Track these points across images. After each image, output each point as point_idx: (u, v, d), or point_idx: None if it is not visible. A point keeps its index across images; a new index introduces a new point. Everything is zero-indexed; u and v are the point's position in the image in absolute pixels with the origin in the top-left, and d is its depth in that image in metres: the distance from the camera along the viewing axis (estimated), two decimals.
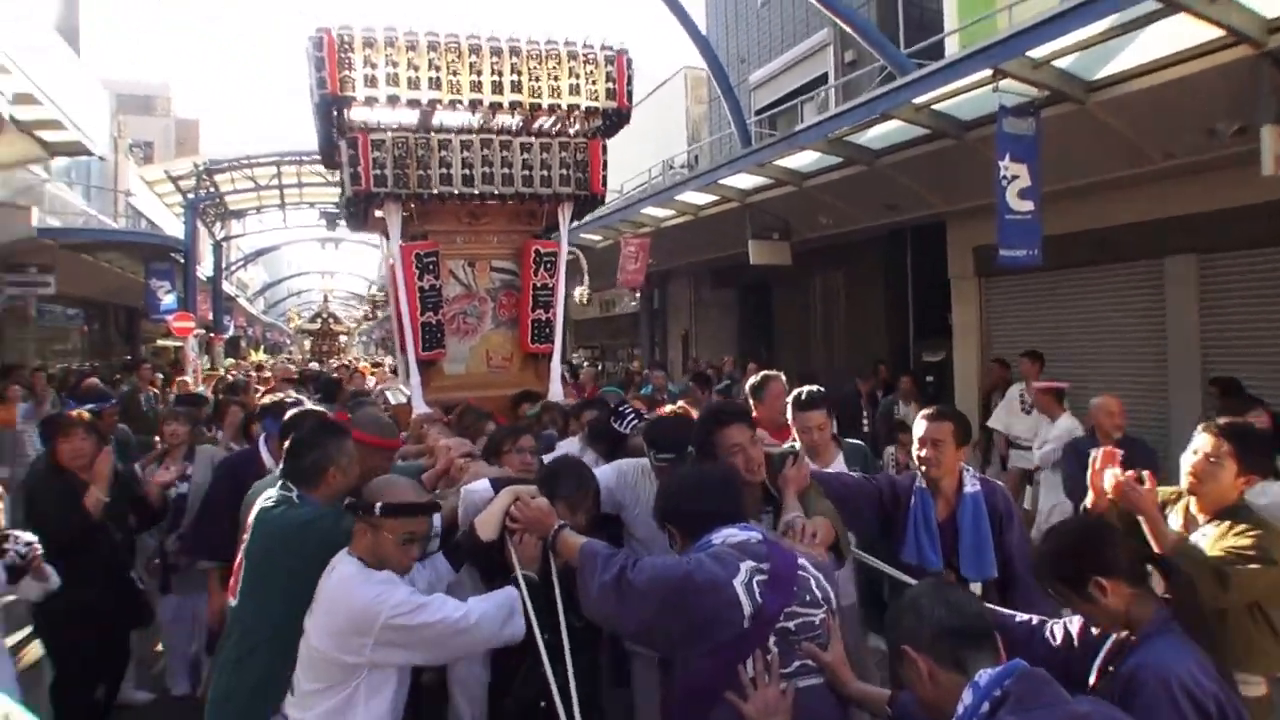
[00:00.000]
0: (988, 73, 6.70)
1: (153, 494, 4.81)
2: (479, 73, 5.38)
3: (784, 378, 4.81)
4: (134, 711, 5.13)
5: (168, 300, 17.75)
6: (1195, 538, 2.82)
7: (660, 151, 17.19)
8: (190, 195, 21.10)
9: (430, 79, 5.27)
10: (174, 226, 23.37)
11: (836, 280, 13.42)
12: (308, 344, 28.18)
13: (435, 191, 5.53)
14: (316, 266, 36.63)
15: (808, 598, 2.32)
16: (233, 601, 2.98)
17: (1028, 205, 6.73)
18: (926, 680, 1.85)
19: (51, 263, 13.94)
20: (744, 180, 11.05)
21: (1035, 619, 2.51)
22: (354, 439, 3.14)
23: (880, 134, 8.78)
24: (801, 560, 2.38)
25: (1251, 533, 2.69)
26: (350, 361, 21.77)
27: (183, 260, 18.87)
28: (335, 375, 10.39)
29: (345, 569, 2.50)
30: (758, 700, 2.16)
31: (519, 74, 5.44)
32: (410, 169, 5.43)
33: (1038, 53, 6.37)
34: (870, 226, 10.87)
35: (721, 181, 11.15)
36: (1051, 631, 2.42)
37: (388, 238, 6.07)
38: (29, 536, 3.51)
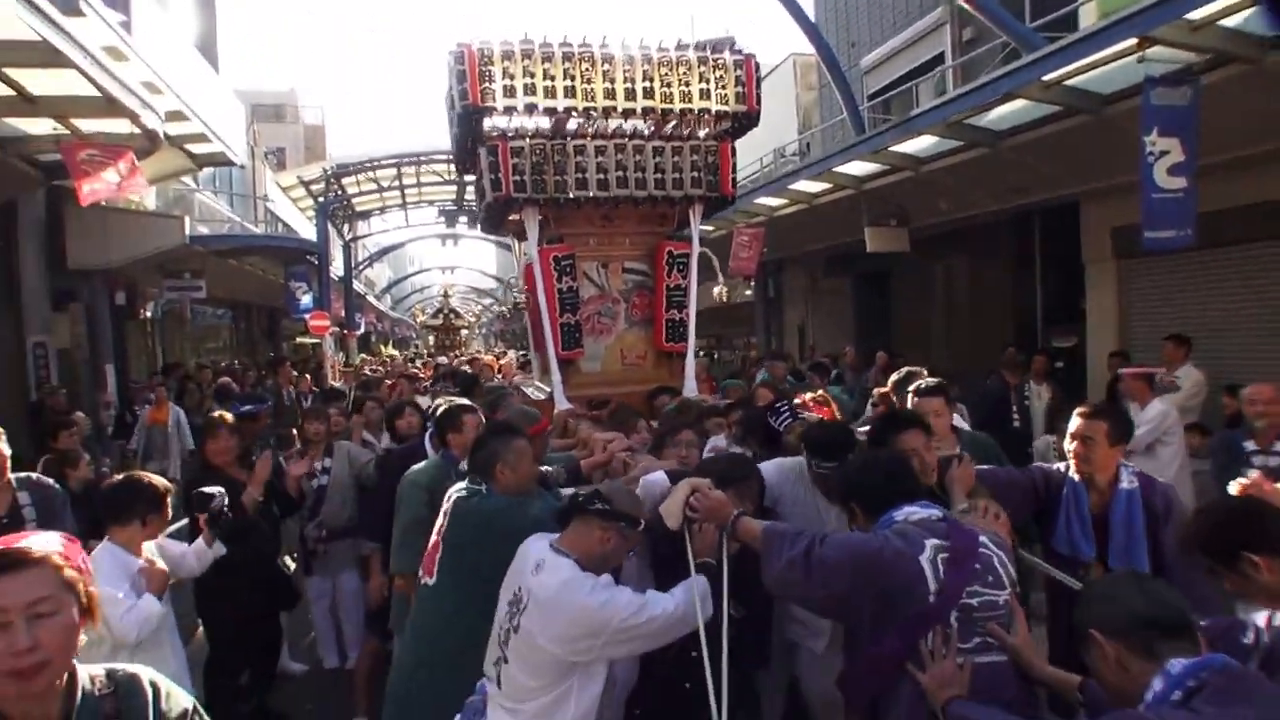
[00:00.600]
0: (1131, 42, 6.15)
1: (291, 486, 5.05)
2: (611, 80, 5.46)
3: (925, 372, 4.74)
4: (291, 681, 5.49)
5: (305, 300, 18.57)
6: None
7: (771, 140, 16.75)
8: (320, 199, 21.95)
9: (565, 88, 5.36)
10: (306, 229, 24.41)
11: (959, 266, 12.87)
12: (431, 338, 29.01)
13: (571, 196, 5.61)
14: (437, 262, 37.67)
15: (990, 578, 2.34)
16: (429, 581, 3.19)
17: (1179, 182, 6.12)
18: (1114, 666, 1.85)
19: (202, 268, 14.68)
20: (858, 167, 10.70)
21: (1227, 620, 2.36)
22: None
23: (1003, 114, 8.30)
24: (982, 538, 2.42)
25: None
26: (475, 354, 22.30)
27: (317, 262, 19.67)
28: (472, 371, 10.66)
29: (563, 573, 2.57)
30: (935, 671, 2.22)
31: (650, 80, 5.50)
32: (547, 174, 5.53)
33: (1199, 14, 5.76)
34: (994, 210, 10.33)
35: (835, 169, 10.83)
36: (1244, 630, 2.28)
37: (520, 240, 6.20)
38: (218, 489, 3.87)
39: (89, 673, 1.74)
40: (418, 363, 21.15)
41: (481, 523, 3.05)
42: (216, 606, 4.55)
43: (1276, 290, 7.65)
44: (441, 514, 3.22)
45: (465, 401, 4.71)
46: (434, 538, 3.21)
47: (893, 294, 14.64)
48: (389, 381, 10.95)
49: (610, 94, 5.44)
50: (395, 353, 29.93)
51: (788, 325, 17.41)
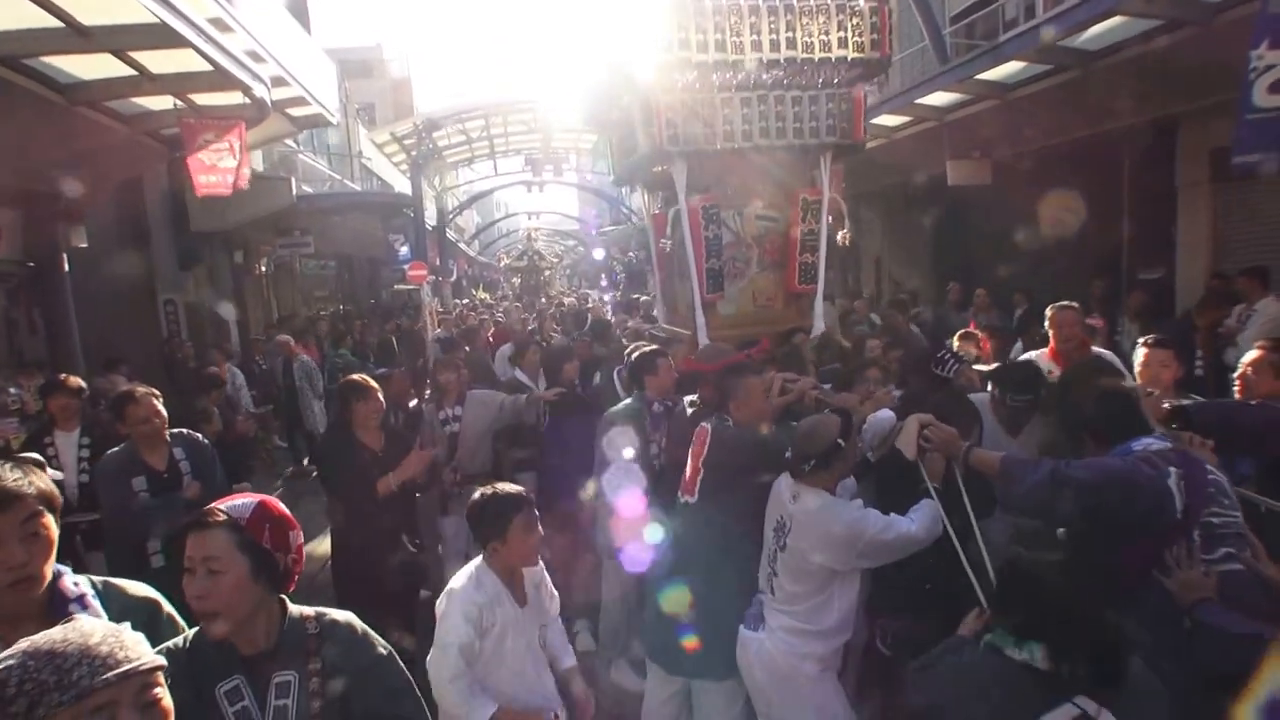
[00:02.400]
0: None
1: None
2: (758, 32, 5.38)
3: (1078, 306, 4.80)
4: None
5: (403, 250, 18.82)
6: None
7: None
8: (412, 153, 21.98)
9: (715, 41, 5.33)
10: (400, 182, 24.57)
11: (1040, 195, 12.03)
12: (516, 280, 29.01)
13: (717, 148, 5.59)
14: (523, 208, 37.65)
15: (1225, 501, 2.47)
16: (689, 499, 3.50)
17: (1279, 100, 5.43)
18: None
19: (309, 225, 14.98)
20: (940, 98, 10.03)
21: None
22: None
23: (1098, 33, 7.58)
24: (1209, 467, 2.54)
25: None
26: (555, 295, 22.28)
27: (412, 214, 19.82)
28: (607, 318, 10.52)
29: (817, 499, 3.03)
30: (1182, 577, 2.32)
31: (792, 30, 5.43)
32: (696, 127, 5.53)
33: None
34: (1079, 137, 9.51)
35: (917, 101, 10.18)
36: None
37: (650, 191, 6.32)
38: None
39: (301, 612, 1.91)
40: (502, 306, 21.20)
41: (740, 448, 3.39)
42: (342, 584, 4.66)
43: None
44: (696, 441, 3.53)
45: (657, 347, 4.89)
46: (691, 463, 3.53)
47: (970, 226, 13.89)
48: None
49: (756, 46, 5.39)
50: (486, 295, 30.14)
51: (864, 260, 16.79)
